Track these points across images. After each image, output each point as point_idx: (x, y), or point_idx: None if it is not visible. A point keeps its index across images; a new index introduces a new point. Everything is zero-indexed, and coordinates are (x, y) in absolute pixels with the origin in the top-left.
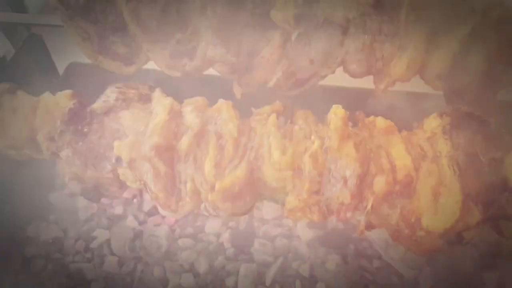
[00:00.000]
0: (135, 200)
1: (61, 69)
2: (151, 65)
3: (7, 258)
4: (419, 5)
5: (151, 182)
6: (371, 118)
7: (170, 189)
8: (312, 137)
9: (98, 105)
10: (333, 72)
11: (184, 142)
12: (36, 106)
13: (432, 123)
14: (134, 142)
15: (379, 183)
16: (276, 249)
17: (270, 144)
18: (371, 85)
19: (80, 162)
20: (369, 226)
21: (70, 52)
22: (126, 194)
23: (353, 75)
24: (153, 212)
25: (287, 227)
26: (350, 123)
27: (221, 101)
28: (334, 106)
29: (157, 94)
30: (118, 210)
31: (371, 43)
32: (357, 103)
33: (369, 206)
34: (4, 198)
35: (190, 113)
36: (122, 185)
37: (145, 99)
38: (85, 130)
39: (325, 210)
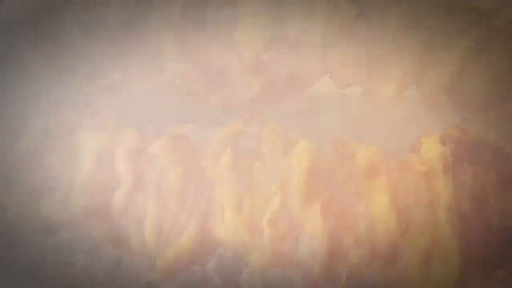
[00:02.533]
0: None
1: None
2: None
3: None
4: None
5: None
6: (352, 145)
7: None
8: (273, 188)
9: None
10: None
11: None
12: None
13: (432, 150)
14: None
15: (354, 257)
16: (267, 281)
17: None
18: None
19: None
20: None
21: None
22: None
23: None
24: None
25: None
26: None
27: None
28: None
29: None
30: None
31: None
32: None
33: (343, 279)
34: None
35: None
36: None
37: None
38: None
39: None
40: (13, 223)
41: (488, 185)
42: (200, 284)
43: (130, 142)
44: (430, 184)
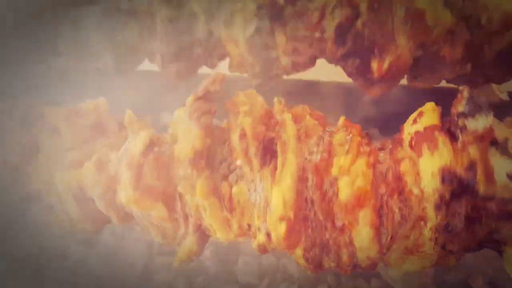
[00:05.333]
0: None
1: None
2: None
3: None
4: None
5: None
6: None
7: None
8: None
9: None
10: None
11: None
12: None
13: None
14: None
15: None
16: (262, 269)
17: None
18: None
19: None
20: None
21: None
22: None
23: None
24: (131, 226)
25: None
26: None
27: None
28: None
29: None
30: None
31: None
32: None
33: None
34: None
35: None
36: None
37: None
38: None
39: None
40: None
41: None
42: (196, 272)
43: None
44: None
